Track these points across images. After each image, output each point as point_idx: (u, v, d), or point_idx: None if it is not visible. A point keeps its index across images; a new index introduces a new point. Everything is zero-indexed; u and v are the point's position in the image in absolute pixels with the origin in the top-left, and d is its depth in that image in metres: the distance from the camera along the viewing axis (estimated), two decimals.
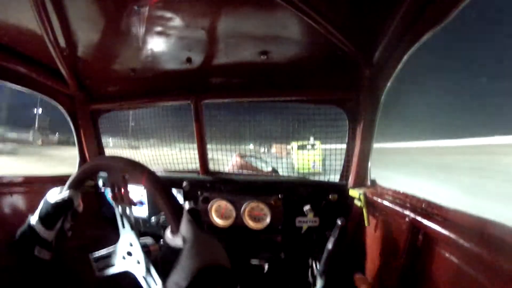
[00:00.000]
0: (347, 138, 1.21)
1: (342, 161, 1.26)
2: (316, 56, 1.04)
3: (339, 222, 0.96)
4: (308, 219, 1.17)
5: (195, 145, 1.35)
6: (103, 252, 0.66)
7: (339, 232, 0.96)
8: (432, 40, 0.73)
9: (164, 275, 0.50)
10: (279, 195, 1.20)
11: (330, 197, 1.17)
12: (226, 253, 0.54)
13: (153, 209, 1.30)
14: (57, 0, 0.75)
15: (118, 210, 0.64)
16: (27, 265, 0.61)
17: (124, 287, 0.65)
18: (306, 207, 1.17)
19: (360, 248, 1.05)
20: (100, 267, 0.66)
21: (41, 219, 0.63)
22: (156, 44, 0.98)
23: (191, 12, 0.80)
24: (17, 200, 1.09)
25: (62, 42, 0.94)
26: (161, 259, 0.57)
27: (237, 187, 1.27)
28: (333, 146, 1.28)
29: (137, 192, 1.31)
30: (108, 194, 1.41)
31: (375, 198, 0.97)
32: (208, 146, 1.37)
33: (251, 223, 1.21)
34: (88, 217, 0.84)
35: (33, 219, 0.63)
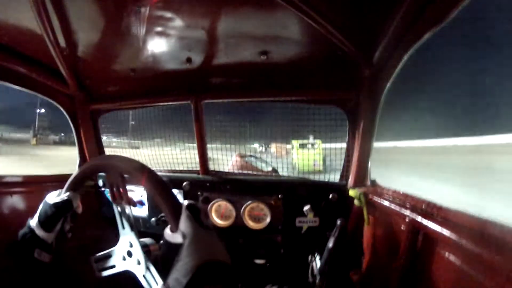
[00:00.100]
0: (347, 138, 1.21)
1: (342, 161, 1.26)
2: (316, 56, 1.04)
3: (339, 222, 0.96)
4: (308, 219, 1.17)
5: (195, 145, 1.35)
6: (103, 253, 0.66)
7: (339, 232, 0.96)
8: (432, 40, 0.74)
9: (164, 273, 0.50)
10: (279, 195, 1.20)
11: (330, 197, 1.17)
12: (225, 248, 0.54)
13: (153, 209, 1.30)
14: (57, 0, 0.75)
15: (117, 210, 0.64)
16: (27, 268, 0.61)
17: (124, 287, 0.65)
18: (306, 207, 1.17)
19: (360, 248, 1.05)
20: (100, 267, 0.66)
21: (41, 221, 0.63)
22: (156, 44, 0.98)
23: (191, 12, 0.80)
24: (17, 200, 1.09)
25: (62, 42, 0.94)
26: (161, 257, 0.57)
27: (237, 187, 1.27)
28: (333, 145, 1.28)
29: (137, 192, 1.31)
30: (108, 194, 1.41)
31: (375, 198, 0.97)
32: (208, 146, 1.37)
33: (251, 223, 1.21)
34: (88, 217, 0.84)
35: (33, 221, 0.63)
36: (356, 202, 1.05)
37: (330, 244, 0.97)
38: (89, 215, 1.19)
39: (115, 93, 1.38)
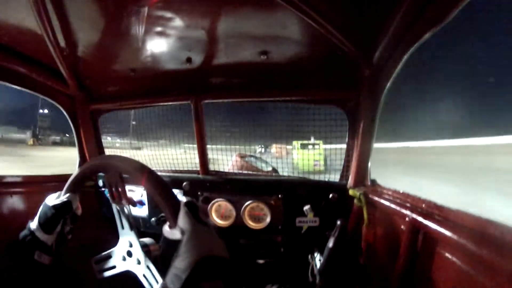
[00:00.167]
0: (347, 138, 1.21)
1: (342, 161, 1.26)
2: (316, 56, 1.04)
3: (339, 222, 0.96)
4: (308, 219, 1.17)
5: (195, 145, 1.35)
6: (103, 254, 0.66)
7: (339, 232, 0.96)
8: (432, 40, 0.73)
9: (164, 270, 0.51)
10: (279, 195, 1.20)
11: (330, 197, 1.17)
12: (224, 243, 0.54)
13: (153, 209, 1.29)
14: (57, 0, 0.75)
15: (116, 210, 0.64)
16: (27, 269, 0.61)
17: (125, 287, 0.65)
18: (306, 207, 1.17)
19: (360, 248, 1.05)
20: (100, 269, 0.66)
21: (41, 224, 0.63)
22: (156, 44, 0.98)
23: (191, 12, 0.80)
24: (17, 200, 1.09)
25: (62, 42, 0.94)
26: (160, 254, 0.57)
27: (237, 187, 1.27)
28: (334, 145, 1.28)
29: (137, 192, 1.31)
30: (108, 194, 1.41)
31: (375, 198, 0.97)
32: (208, 146, 1.37)
33: (251, 223, 1.21)
34: (88, 217, 0.84)
35: (33, 224, 0.64)
36: (356, 202, 1.05)
37: (330, 244, 0.97)
38: (89, 215, 1.19)
39: (115, 93, 1.38)
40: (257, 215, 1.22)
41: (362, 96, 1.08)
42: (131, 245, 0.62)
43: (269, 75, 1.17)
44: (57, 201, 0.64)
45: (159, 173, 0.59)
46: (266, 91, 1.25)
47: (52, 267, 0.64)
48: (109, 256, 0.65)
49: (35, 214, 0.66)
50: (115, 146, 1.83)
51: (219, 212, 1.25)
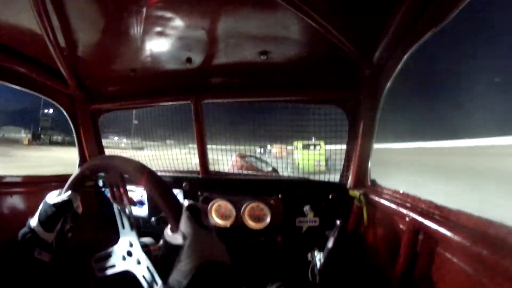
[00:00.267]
0: (347, 138, 1.21)
1: (343, 161, 1.26)
2: (316, 56, 1.04)
3: (339, 222, 0.96)
4: (308, 219, 1.16)
5: (195, 145, 1.35)
6: (103, 252, 0.66)
7: (339, 232, 0.96)
8: (432, 40, 0.73)
9: (164, 273, 0.50)
10: (279, 195, 1.20)
11: (330, 197, 1.17)
12: (225, 248, 0.54)
13: (153, 209, 1.30)
14: (57, 0, 0.75)
15: (117, 209, 0.64)
16: (27, 267, 0.61)
17: (124, 287, 0.65)
18: (306, 207, 1.17)
19: (360, 248, 1.05)
20: (100, 267, 0.66)
21: (41, 221, 0.63)
22: (156, 44, 0.98)
23: (191, 12, 0.80)
24: (17, 200, 1.09)
25: (62, 42, 0.94)
26: (161, 257, 0.57)
27: (237, 187, 1.27)
28: (336, 146, 1.28)
29: (137, 192, 1.31)
30: (108, 194, 1.41)
31: (375, 198, 0.96)
32: (208, 146, 1.37)
33: (251, 223, 1.21)
34: (88, 217, 0.84)
35: (33, 221, 0.63)
36: (356, 202, 1.05)
37: (330, 244, 0.97)
38: (89, 215, 1.19)
39: (115, 93, 1.38)
40: (257, 215, 1.22)
41: (362, 96, 1.08)
42: (131, 245, 0.62)
43: (269, 75, 1.17)
44: (58, 199, 0.64)
45: (159, 173, 0.59)
46: (266, 91, 1.25)
47: (52, 266, 0.64)
48: (109, 255, 0.65)
49: (35, 214, 0.66)
50: (115, 146, 1.83)
51: (219, 212, 1.25)
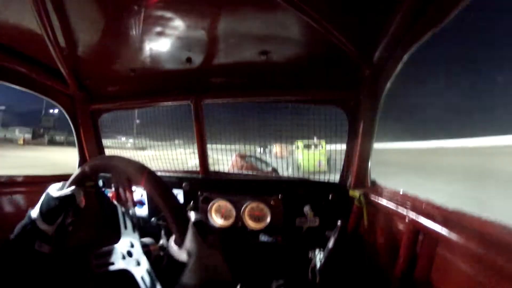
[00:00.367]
0: (347, 138, 1.21)
1: (343, 161, 1.26)
2: (316, 56, 1.04)
3: (339, 222, 0.96)
4: (308, 219, 1.16)
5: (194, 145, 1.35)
6: (103, 249, 0.66)
7: (339, 232, 0.96)
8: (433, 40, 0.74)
9: (165, 285, 0.51)
10: (279, 195, 1.20)
11: (330, 197, 1.17)
12: (227, 266, 0.54)
13: (153, 209, 1.30)
14: (57, 0, 0.75)
15: (121, 210, 0.64)
16: (27, 260, 0.61)
17: (121, 286, 0.65)
18: (306, 207, 1.17)
19: (360, 248, 1.04)
20: (99, 263, 0.66)
21: (42, 213, 0.62)
22: (156, 44, 0.98)
23: (191, 12, 0.80)
24: (17, 200, 1.09)
25: (62, 42, 0.94)
26: (164, 270, 0.58)
27: (237, 187, 1.27)
28: (337, 146, 1.28)
29: (137, 192, 1.31)
30: (109, 194, 1.41)
31: (375, 198, 0.96)
32: (208, 146, 1.37)
33: (251, 223, 1.21)
34: (88, 217, 0.84)
35: (34, 212, 0.63)
36: (356, 202, 1.05)
37: (330, 244, 0.97)
38: (89, 215, 1.19)
39: (115, 93, 1.38)
40: (257, 215, 1.22)
41: (362, 96, 1.07)
42: (132, 246, 0.62)
43: (269, 75, 1.17)
44: (61, 193, 0.64)
45: (159, 173, 0.59)
46: (266, 91, 1.25)
47: (51, 260, 0.63)
48: (109, 252, 0.65)
49: (36, 205, 0.65)
50: (116, 146, 1.83)
51: (219, 212, 1.25)
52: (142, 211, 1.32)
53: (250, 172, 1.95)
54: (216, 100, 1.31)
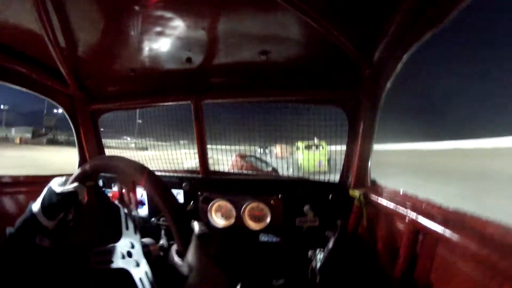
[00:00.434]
0: (347, 138, 1.21)
1: (343, 161, 1.26)
2: (316, 56, 1.04)
3: (339, 222, 0.96)
4: (308, 219, 1.16)
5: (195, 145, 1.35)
6: (103, 247, 0.66)
7: (339, 232, 0.96)
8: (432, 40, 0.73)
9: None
10: (279, 195, 1.20)
11: (330, 197, 1.17)
12: (228, 283, 0.55)
13: (153, 210, 1.30)
14: (57, 0, 0.75)
15: (123, 211, 0.64)
16: (27, 253, 0.60)
17: (119, 285, 0.65)
18: (306, 207, 1.17)
19: (360, 248, 1.04)
20: (98, 260, 0.66)
21: (44, 208, 0.62)
22: (156, 44, 0.98)
23: (191, 12, 0.80)
24: (17, 200, 1.09)
25: (62, 42, 0.94)
26: (164, 277, 0.58)
27: (237, 187, 1.27)
28: (334, 146, 1.28)
29: (137, 192, 1.31)
30: (109, 194, 1.41)
31: (375, 198, 0.96)
32: (208, 146, 1.37)
33: (251, 223, 1.21)
34: (88, 217, 0.84)
35: (35, 206, 0.62)
36: (356, 202, 1.05)
37: (330, 244, 0.97)
38: (88, 215, 1.19)
39: (115, 93, 1.38)
40: (257, 215, 1.22)
41: (362, 96, 1.07)
42: (132, 247, 0.62)
43: (269, 75, 1.17)
44: (65, 189, 0.63)
45: (159, 174, 0.59)
46: (266, 91, 1.25)
47: (51, 255, 0.63)
48: (108, 251, 0.65)
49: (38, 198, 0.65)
50: (114, 146, 1.83)
51: (219, 212, 1.25)
52: (142, 211, 1.32)
53: (250, 172, 1.95)
54: (216, 100, 1.31)
